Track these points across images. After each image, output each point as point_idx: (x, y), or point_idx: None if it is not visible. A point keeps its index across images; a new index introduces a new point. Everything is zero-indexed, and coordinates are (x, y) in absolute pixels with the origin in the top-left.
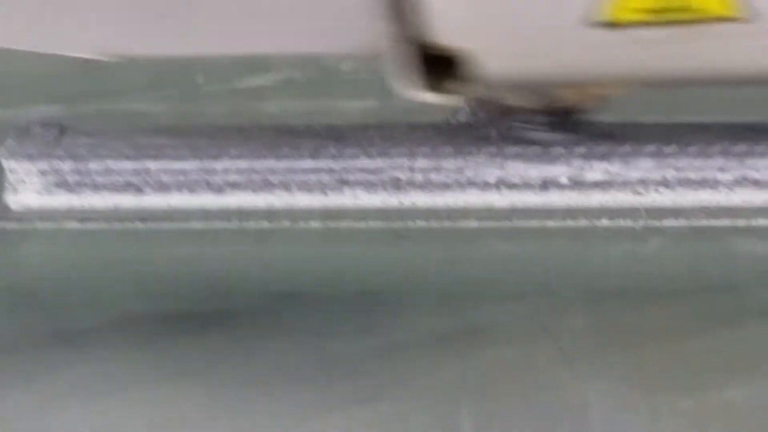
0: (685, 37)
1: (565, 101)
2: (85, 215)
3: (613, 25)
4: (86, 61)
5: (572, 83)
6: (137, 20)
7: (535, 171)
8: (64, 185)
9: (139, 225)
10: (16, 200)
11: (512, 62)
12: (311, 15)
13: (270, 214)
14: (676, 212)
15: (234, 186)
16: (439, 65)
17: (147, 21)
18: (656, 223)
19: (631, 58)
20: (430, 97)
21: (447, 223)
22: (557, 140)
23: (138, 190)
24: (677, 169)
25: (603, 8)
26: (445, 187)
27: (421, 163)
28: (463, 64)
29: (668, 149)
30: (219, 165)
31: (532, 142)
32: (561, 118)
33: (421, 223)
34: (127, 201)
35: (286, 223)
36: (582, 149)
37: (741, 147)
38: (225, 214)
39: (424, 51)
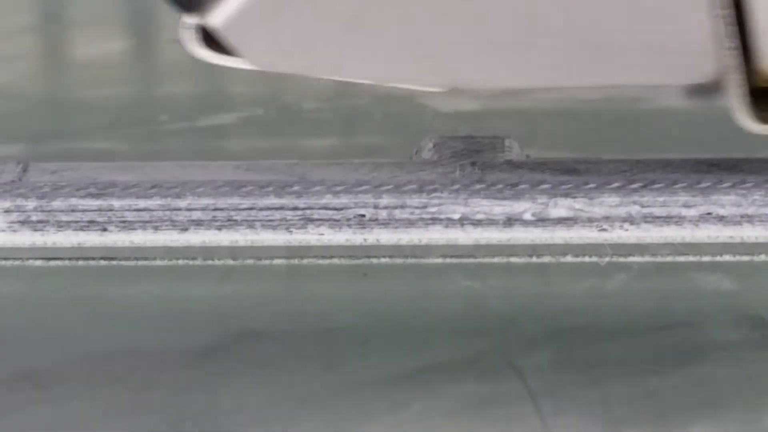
0: None
1: None
2: (49, 253)
3: None
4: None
5: None
6: (479, 53)
7: (499, 208)
8: (27, 223)
9: (103, 263)
10: None
11: None
12: (651, 46)
13: (234, 251)
14: (641, 248)
15: (198, 224)
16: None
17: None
18: (621, 260)
19: None
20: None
21: (411, 260)
22: None
23: (102, 228)
24: (642, 205)
25: None
26: (409, 224)
27: (385, 200)
28: None
29: (633, 185)
30: (183, 203)
31: None
32: None
33: (385, 260)
34: (91, 239)
35: (250, 261)
36: (546, 186)
37: (706, 183)
38: (189, 251)
39: (759, 83)
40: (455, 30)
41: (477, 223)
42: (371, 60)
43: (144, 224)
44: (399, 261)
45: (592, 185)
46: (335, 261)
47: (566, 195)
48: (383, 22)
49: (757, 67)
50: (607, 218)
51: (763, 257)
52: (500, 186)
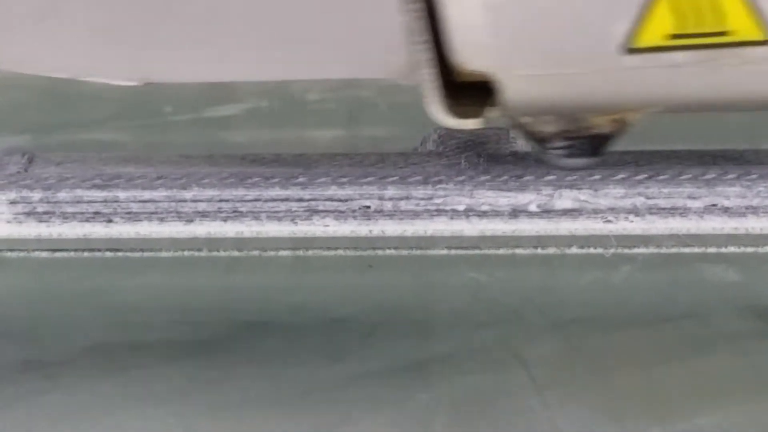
0: (710, 61)
1: (593, 127)
2: (54, 245)
3: (642, 50)
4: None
5: (600, 110)
6: (172, 47)
7: (505, 199)
8: (33, 214)
9: (109, 254)
10: None
11: (537, 88)
12: (345, 40)
13: (239, 242)
14: (646, 240)
15: (203, 215)
16: (475, 90)
17: (182, 48)
18: (626, 251)
19: (657, 83)
20: (460, 123)
21: (416, 252)
22: (585, 165)
23: (107, 219)
24: (647, 196)
25: (632, 34)
26: (415, 215)
27: (390, 191)
28: (492, 90)
29: (638, 177)
30: (188, 194)
31: (559, 168)
32: (589, 144)
33: (390, 252)
34: (96, 230)
35: (255, 252)
36: (551, 177)
37: (711, 174)
38: (195, 243)
39: (457, 76)
40: (147, 23)
41: (482, 215)
42: (64, 53)
43: (149, 215)
44: (404, 252)
45: (597, 177)
46: (340, 252)
47: (571, 186)
48: (74, 14)
49: (451, 62)
50: (612, 210)
51: (767, 248)
52: (505, 177)
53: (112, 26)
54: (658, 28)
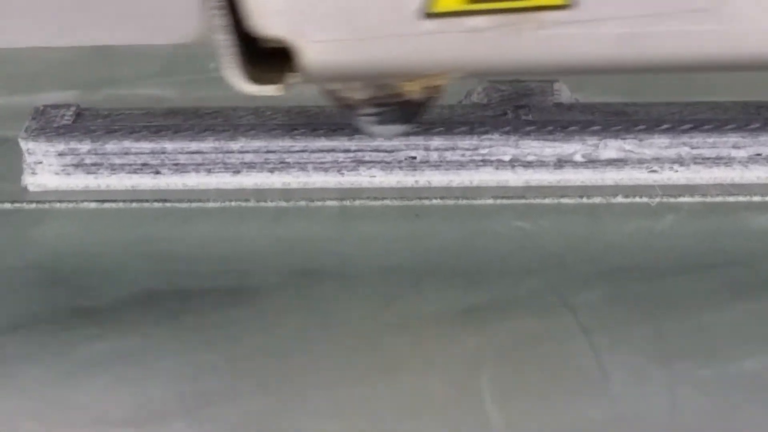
0: (509, 25)
1: (404, 93)
2: (102, 196)
3: (437, 14)
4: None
5: (401, 75)
6: None
7: (550, 149)
8: (81, 166)
9: (157, 205)
10: (35, 181)
11: (335, 54)
12: (138, 5)
13: (286, 193)
14: (690, 189)
15: (250, 166)
16: (275, 56)
17: None
18: (671, 200)
19: (457, 48)
20: (260, 89)
21: (462, 201)
22: (398, 132)
23: (155, 170)
24: (692, 146)
25: None
26: (460, 165)
27: (436, 142)
28: (291, 56)
29: (683, 126)
30: (235, 145)
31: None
32: (400, 111)
33: (436, 201)
34: (144, 181)
35: (302, 202)
36: (596, 127)
37: (755, 124)
38: (242, 193)
39: (255, 42)
40: None
41: (527, 165)
42: None
43: (197, 167)
44: (450, 202)
45: (641, 126)
46: (387, 202)
47: (616, 136)
48: None
49: (248, 27)
50: (656, 159)
51: None
52: (550, 128)
53: None
54: None
